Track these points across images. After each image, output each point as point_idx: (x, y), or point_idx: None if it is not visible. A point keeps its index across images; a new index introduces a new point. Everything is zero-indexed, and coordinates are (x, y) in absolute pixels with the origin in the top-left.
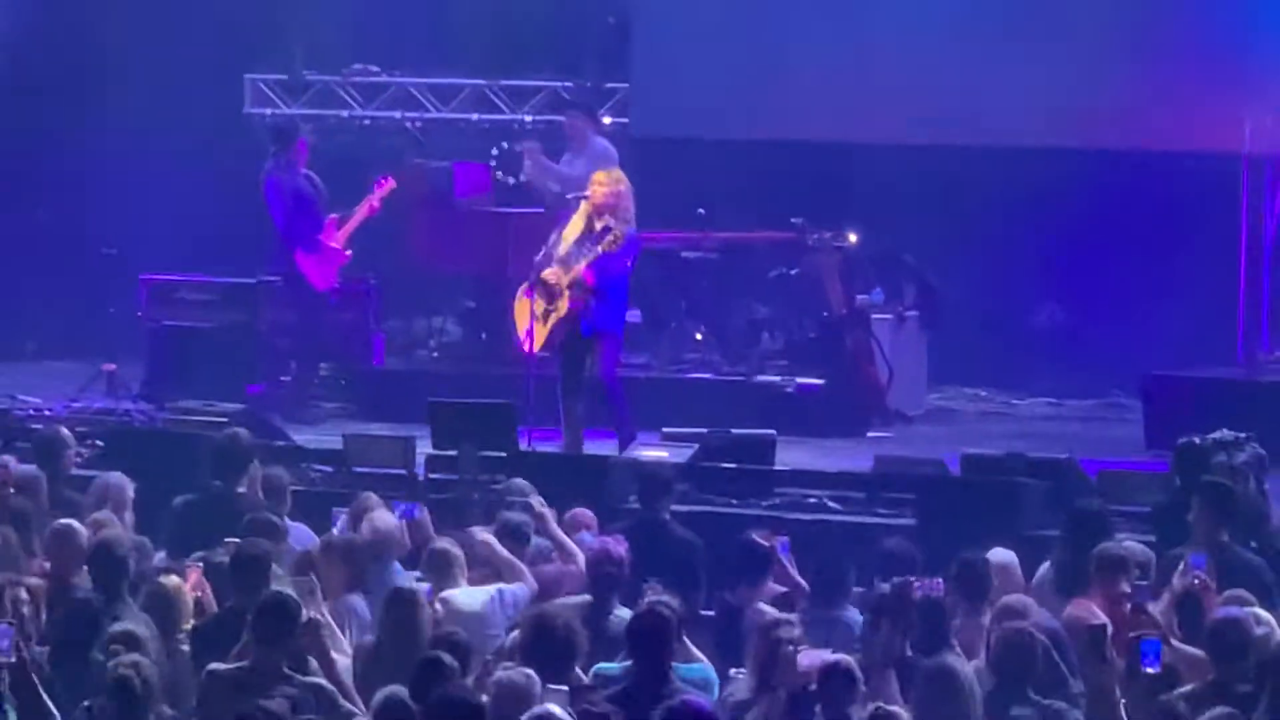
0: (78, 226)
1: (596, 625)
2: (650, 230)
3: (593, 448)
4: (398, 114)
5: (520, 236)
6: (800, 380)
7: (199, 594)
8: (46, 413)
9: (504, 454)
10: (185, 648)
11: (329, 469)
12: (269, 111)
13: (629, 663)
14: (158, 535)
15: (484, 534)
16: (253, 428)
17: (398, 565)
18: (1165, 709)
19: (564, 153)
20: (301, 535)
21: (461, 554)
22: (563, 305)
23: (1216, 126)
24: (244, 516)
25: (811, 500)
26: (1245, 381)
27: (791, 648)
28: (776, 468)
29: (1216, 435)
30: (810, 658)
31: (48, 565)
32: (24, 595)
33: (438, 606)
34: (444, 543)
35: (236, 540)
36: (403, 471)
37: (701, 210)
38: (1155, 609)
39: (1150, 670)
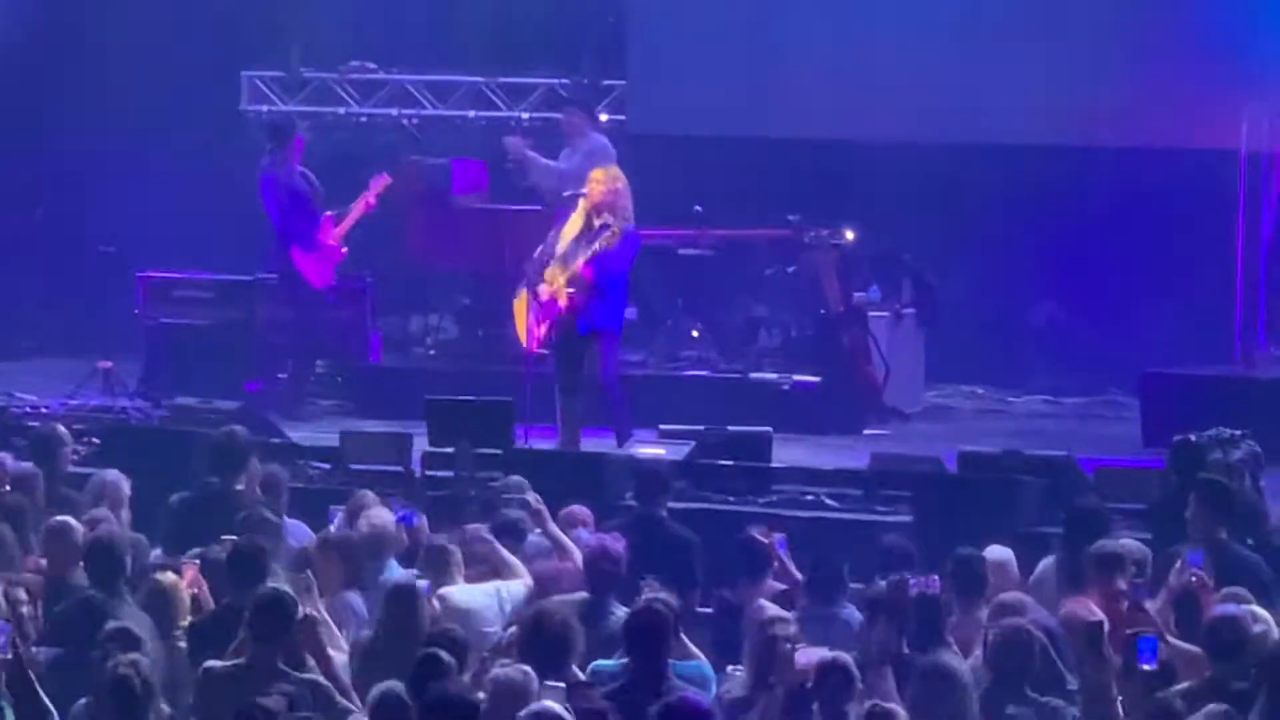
0: (75, 224)
1: (594, 622)
2: (647, 227)
3: (590, 445)
4: (395, 111)
5: (517, 234)
6: (797, 378)
7: (196, 591)
8: (43, 410)
9: (500, 451)
10: (182, 645)
11: (326, 466)
12: (266, 109)
13: (626, 660)
14: (154, 532)
15: (481, 531)
16: (249, 425)
17: (394, 562)
18: (1162, 706)
19: (562, 149)
20: (298, 532)
21: (459, 551)
22: (561, 303)
23: (1214, 125)
24: (257, 521)
25: (808, 498)
26: (1242, 379)
27: (789, 645)
28: (773, 465)
29: (1213, 432)
30: (807, 655)
31: (44, 562)
32: (22, 595)
33: (435, 603)
34: (441, 540)
35: (233, 537)
36: (399, 469)
37: (698, 208)
38: (1152, 606)
39: (1147, 667)
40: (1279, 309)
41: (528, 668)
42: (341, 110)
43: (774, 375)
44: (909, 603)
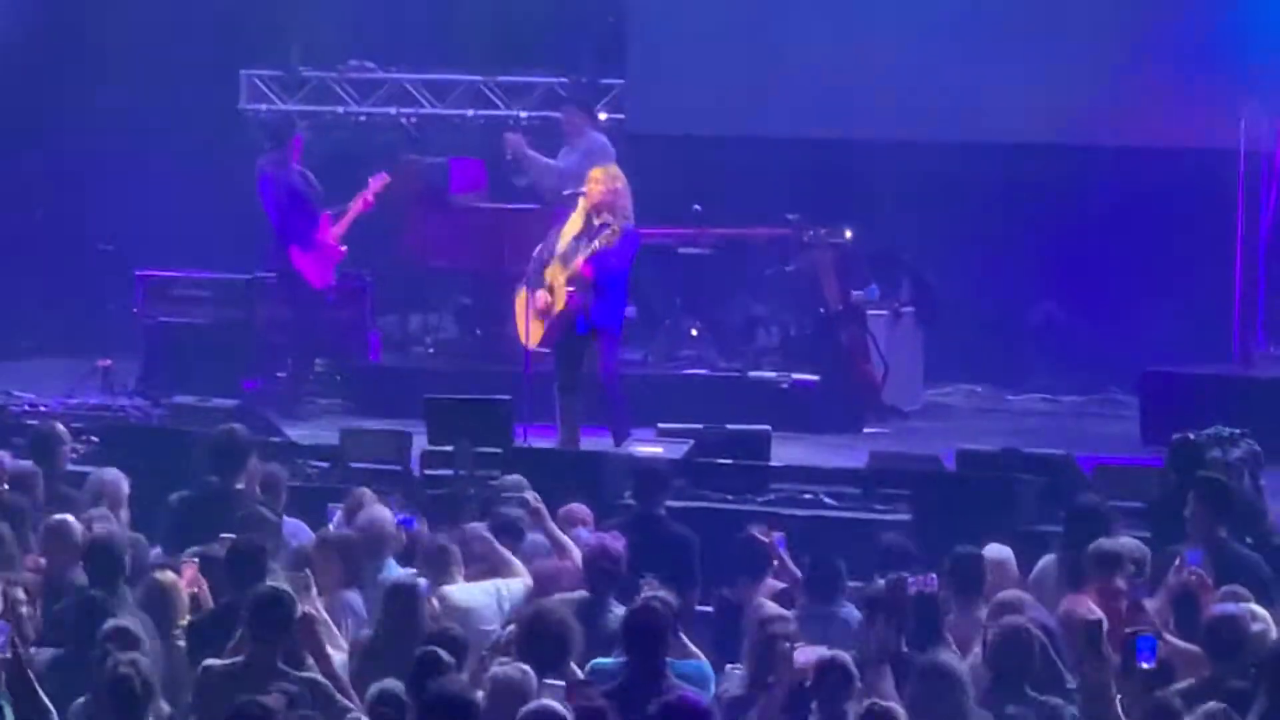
0: (74, 223)
1: (593, 621)
2: (646, 226)
3: (589, 444)
4: (393, 110)
5: (516, 233)
6: (796, 376)
7: (195, 590)
8: (42, 408)
9: (500, 450)
10: (181, 643)
11: (325, 465)
12: (264, 107)
13: (624, 659)
14: (154, 531)
15: (480, 530)
16: (248, 424)
17: (393, 561)
18: (1160, 705)
19: (561, 148)
20: (297, 531)
21: (458, 550)
22: (560, 301)
23: (1213, 124)
24: (255, 519)
25: (807, 496)
26: (1241, 377)
27: (787, 644)
28: (772, 464)
29: (1211, 431)
30: (806, 654)
31: (43, 561)
32: (21, 595)
33: (434, 602)
34: (440, 538)
35: (232, 536)
36: (398, 468)
37: (697, 206)
38: (1151, 605)
39: (1145, 666)
40: (1278, 308)
41: (526, 666)
42: (340, 109)
43: (773, 374)
44: (907, 601)
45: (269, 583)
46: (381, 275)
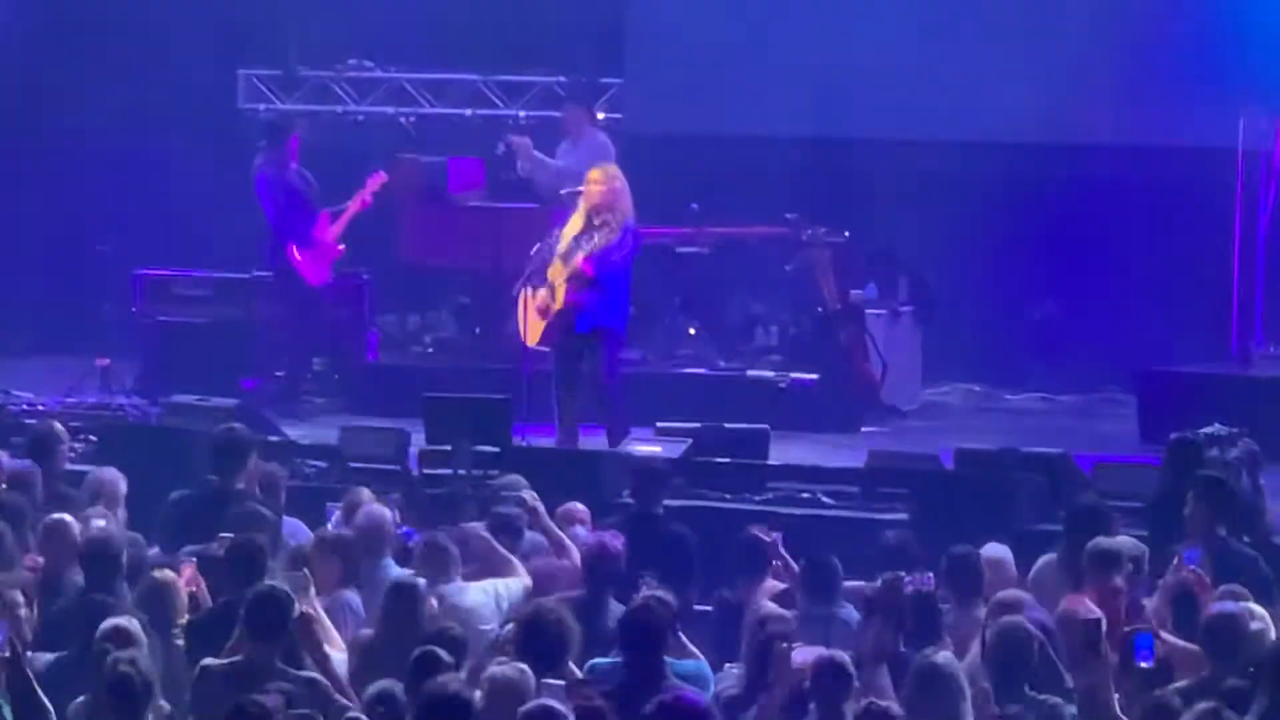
0: (72, 222)
1: (592, 620)
2: (644, 226)
3: (587, 443)
4: (391, 109)
5: (514, 232)
6: (794, 375)
7: (193, 589)
8: (40, 408)
9: (498, 449)
10: (180, 643)
11: (323, 464)
12: (263, 107)
13: (623, 658)
14: (151, 530)
15: (478, 529)
16: (247, 423)
17: (391, 561)
18: (1159, 704)
19: (560, 143)
20: (296, 531)
21: (456, 549)
22: (560, 299)
23: (1212, 123)
24: (247, 515)
25: (805, 495)
26: (1240, 376)
27: (785, 644)
28: (770, 463)
29: (1209, 430)
30: (804, 654)
31: (41, 560)
32: (19, 598)
33: (433, 602)
34: (439, 538)
35: (230, 535)
36: (397, 467)
37: (695, 206)
38: (1150, 604)
39: (1144, 664)
40: (1276, 307)
41: (524, 666)
42: (339, 109)
43: (771, 373)
44: (905, 601)
45: (267, 582)
46: (380, 274)
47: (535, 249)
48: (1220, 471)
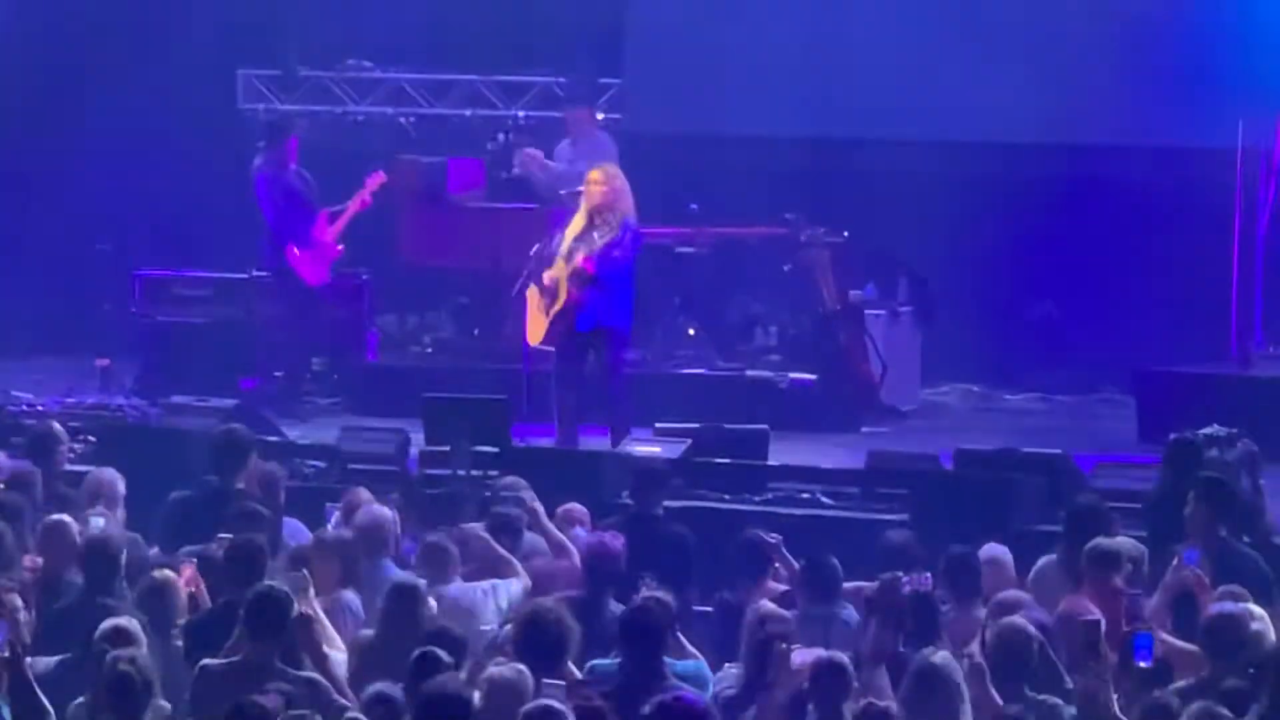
0: (71, 222)
1: (591, 621)
2: (644, 226)
3: (587, 443)
4: (391, 110)
5: (514, 232)
6: (794, 375)
7: (193, 589)
8: (39, 408)
9: (498, 449)
10: (179, 643)
11: (322, 464)
12: (262, 107)
13: (621, 658)
14: (150, 531)
15: (478, 529)
16: (246, 423)
17: (390, 561)
18: (1158, 704)
19: (562, 140)
20: (295, 530)
21: (455, 549)
22: (562, 298)
23: (1211, 123)
24: (244, 513)
25: (805, 496)
26: (1239, 377)
27: (784, 645)
28: (770, 463)
29: (1208, 431)
30: (804, 655)
31: (40, 561)
32: (18, 601)
33: (432, 602)
34: (438, 538)
35: (230, 535)
36: (396, 467)
37: (694, 206)
38: (1149, 604)
39: (1143, 664)
40: (1276, 307)
41: (522, 666)
42: (338, 109)
43: (771, 373)
44: (903, 601)
45: (267, 582)
46: (379, 274)
47: (535, 249)
48: (1220, 472)
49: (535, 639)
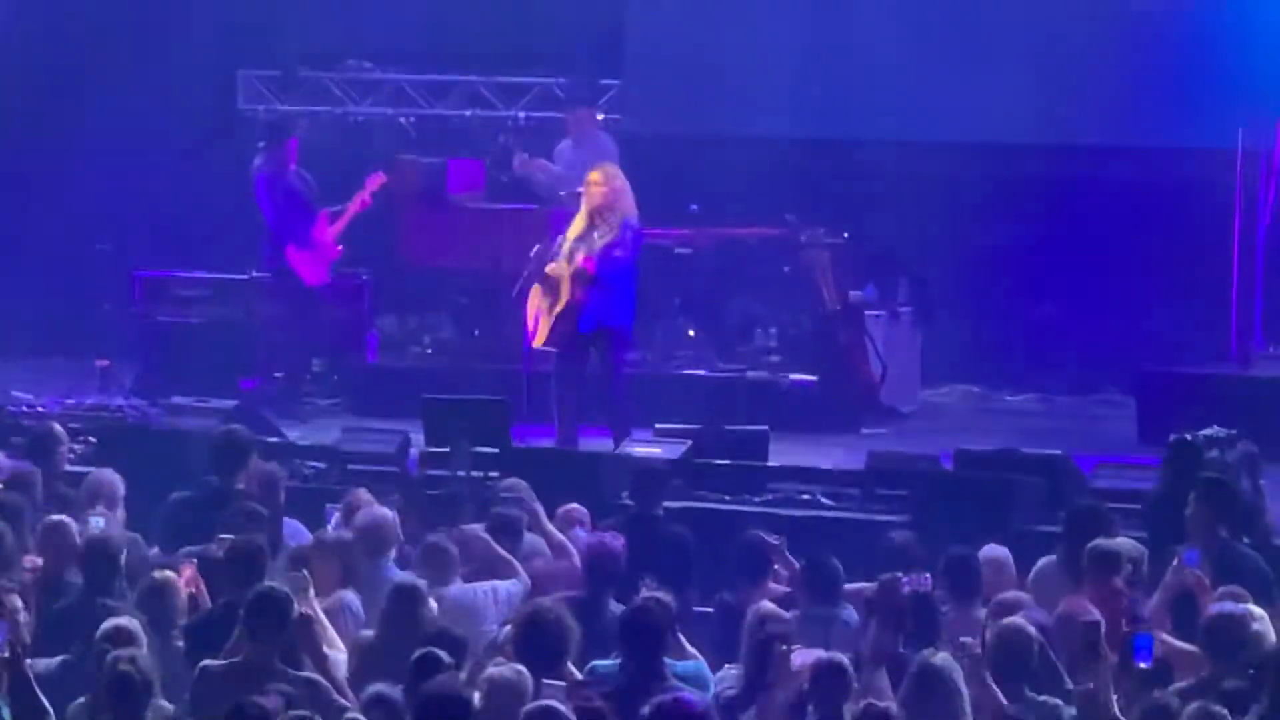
0: (71, 223)
1: (591, 621)
2: (643, 226)
3: (587, 444)
4: (391, 110)
5: (514, 233)
6: (794, 376)
7: (193, 590)
8: (40, 409)
9: (498, 450)
10: (180, 643)
11: (322, 465)
12: (262, 108)
13: (621, 659)
14: (150, 531)
15: (478, 530)
16: (246, 423)
17: (391, 562)
18: (1157, 705)
19: (562, 141)
20: (295, 531)
21: (455, 550)
22: (564, 298)
23: (1211, 123)
24: (242, 513)
25: (805, 497)
26: (1239, 377)
27: (784, 647)
28: (770, 464)
29: (1208, 431)
30: (804, 656)
31: (40, 561)
32: (18, 602)
33: (432, 603)
34: (438, 539)
35: (230, 536)
36: (396, 468)
37: (694, 207)
38: (1149, 605)
39: (1143, 665)
40: (1276, 307)
41: (521, 667)
42: (338, 110)
43: (770, 374)
44: (903, 601)
45: (267, 583)
46: (379, 275)
47: (534, 250)
48: (1220, 473)
49: (535, 640)
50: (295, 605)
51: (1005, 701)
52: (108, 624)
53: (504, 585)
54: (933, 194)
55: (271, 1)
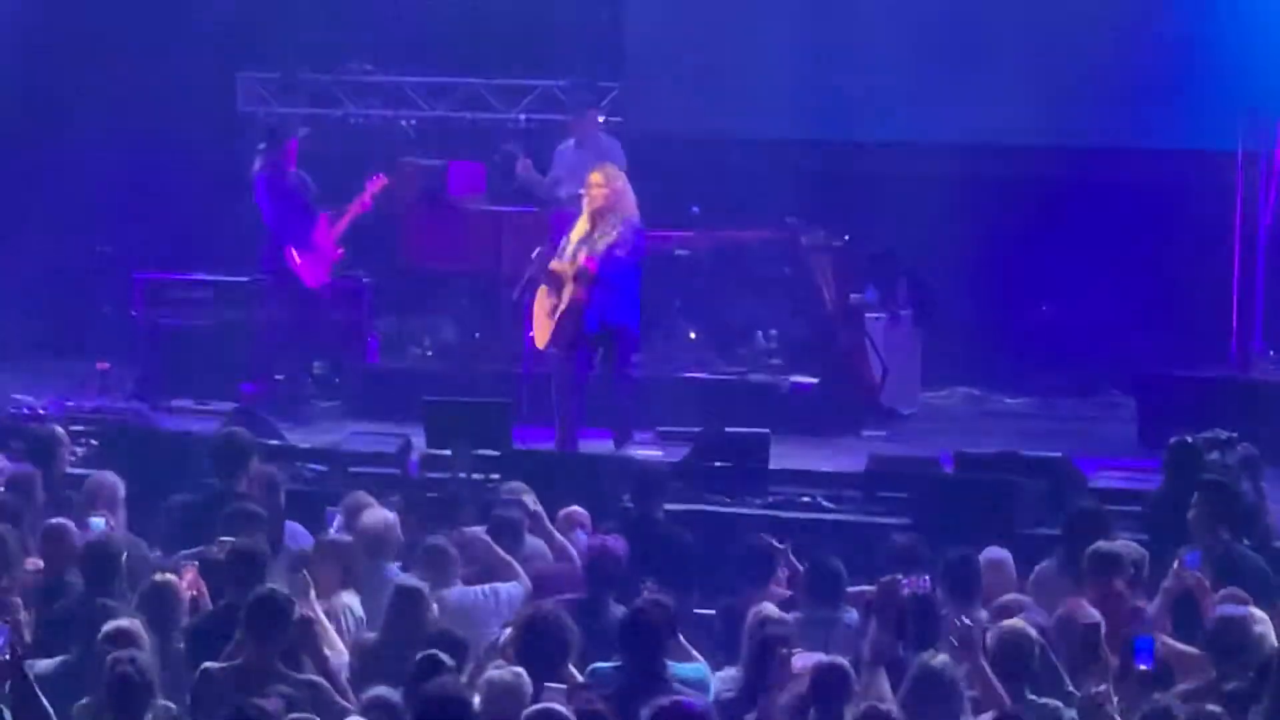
0: (71, 225)
1: (592, 624)
2: (644, 229)
3: (587, 446)
4: (391, 113)
5: (515, 235)
6: (794, 379)
7: (194, 592)
8: (41, 411)
9: (498, 453)
10: (181, 646)
11: (323, 467)
12: (262, 110)
13: (621, 662)
14: (151, 534)
15: (479, 533)
16: (247, 426)
17: (392, 564)
18: (1158, 707)
19: (564, 142)
20: (296, 533)
21: (456, 552)
22: (566, 299)
23: (1211, 124)
24: (241, 514)
25: (806, 499)
26: (1239, 380)
27: (784, 648)
28: (771, 467)
29: (1208, 434)
30: (805, 659)
31: (41, 563)
32: (18, 601)
33: (432, 605)
34: (439, 541)
35: (231, 538)
36: (397, 470)
37: (695, 209)
38: (1150, 607)
39: (1143, 668)
40: (1276, 310)
41: (520, 669)
42: (338, 112)
43: (771, 377)
44: (902, 603)
45: (268, 585)
46: (380, 277)
47: (536, 252)
48: (1221, 475)
49: (536, 642)
50: (296, 607)
51: (1004, 694)
52: (109, 625)
53: (504, 587)
54: (934, 196)
55: (271, 3)
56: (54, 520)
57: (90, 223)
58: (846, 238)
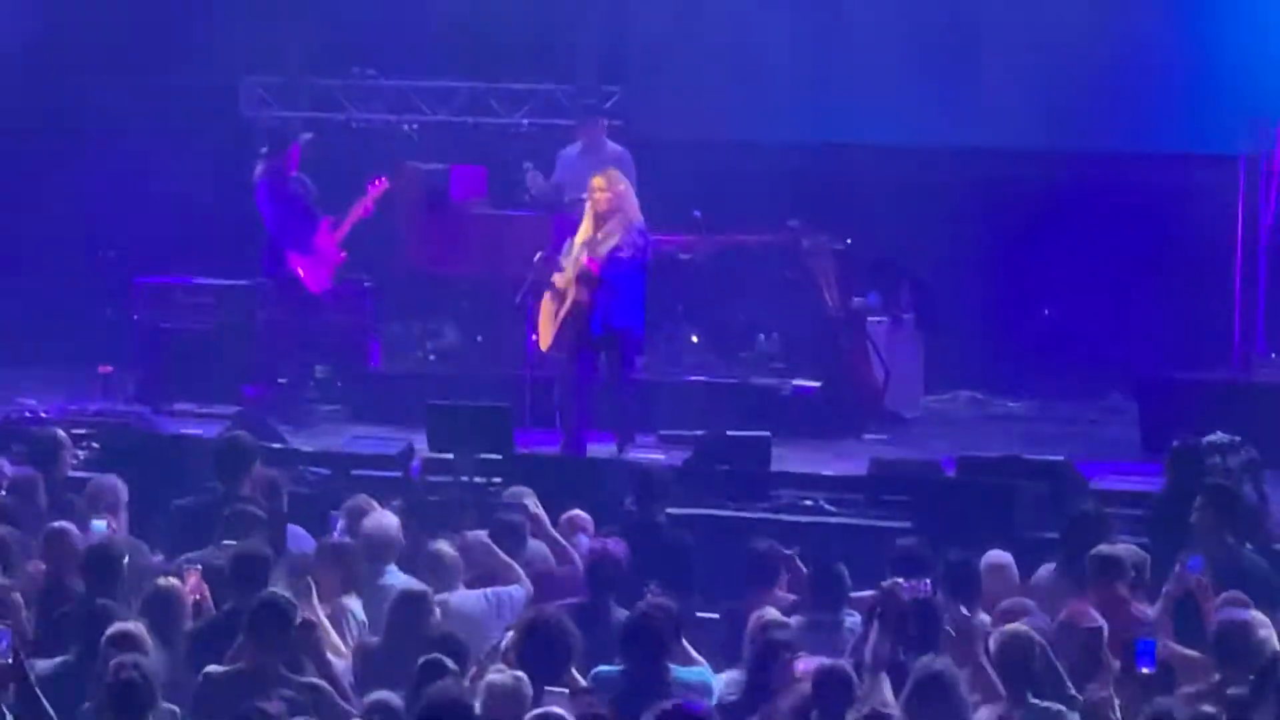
0: (74, 229)
1: (594, 627)
2: (647, 232)
3: (590, 449)
4: (394, 117)
5: (517, 239)
6: (796, 382)
7: (197, 596)
8: (43, 415)
9: (500, 456)
10: (184, 650)
11: (325, 471)
12: (265, 114)
13: (624, 665)
14: (154, 537)
15: (481, 536)
16: (249, 430)
17: (394, 568)
18: (1160, 710)
19: (568, 146)
20: (298, 537)
21: (458, 556)
22: (569, 302)
23: (1213, 128)
24: (243, 517)
25: (808, 503)
26: (1241, 383)
27: (786, 652)
28: (773, 470)
29: (1211, 438)
30: (807, 663)
31: (43, 567)
32: (18, 599)
33: (435, 609)
34: (441, 545)
35: (234, 542)
36: (399, 474)
37: (697, 213)
38: (1152, 611)
39: (1145, 670)
40: (1278, 314)
41: (521, 674)
42: (341, 116)
43: (773, 380)
44: (904, 608)
45: (270, 589)
46: (383, 281)
47: (538, 256)
48: (1223, 479)
49: (538, 646)
50: (298, 611)
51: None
52: (112, 629)
53: (506, 591)
54: (936, 200)
55: (274, 8)
56: (56, 523)
57: (93, 227)
58: (849, 241)
